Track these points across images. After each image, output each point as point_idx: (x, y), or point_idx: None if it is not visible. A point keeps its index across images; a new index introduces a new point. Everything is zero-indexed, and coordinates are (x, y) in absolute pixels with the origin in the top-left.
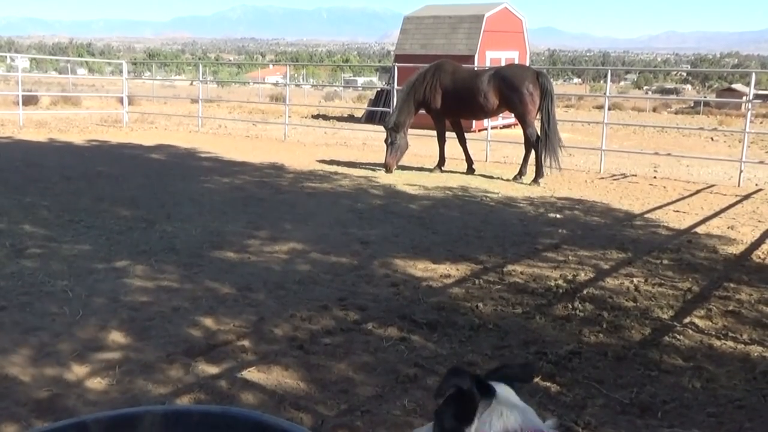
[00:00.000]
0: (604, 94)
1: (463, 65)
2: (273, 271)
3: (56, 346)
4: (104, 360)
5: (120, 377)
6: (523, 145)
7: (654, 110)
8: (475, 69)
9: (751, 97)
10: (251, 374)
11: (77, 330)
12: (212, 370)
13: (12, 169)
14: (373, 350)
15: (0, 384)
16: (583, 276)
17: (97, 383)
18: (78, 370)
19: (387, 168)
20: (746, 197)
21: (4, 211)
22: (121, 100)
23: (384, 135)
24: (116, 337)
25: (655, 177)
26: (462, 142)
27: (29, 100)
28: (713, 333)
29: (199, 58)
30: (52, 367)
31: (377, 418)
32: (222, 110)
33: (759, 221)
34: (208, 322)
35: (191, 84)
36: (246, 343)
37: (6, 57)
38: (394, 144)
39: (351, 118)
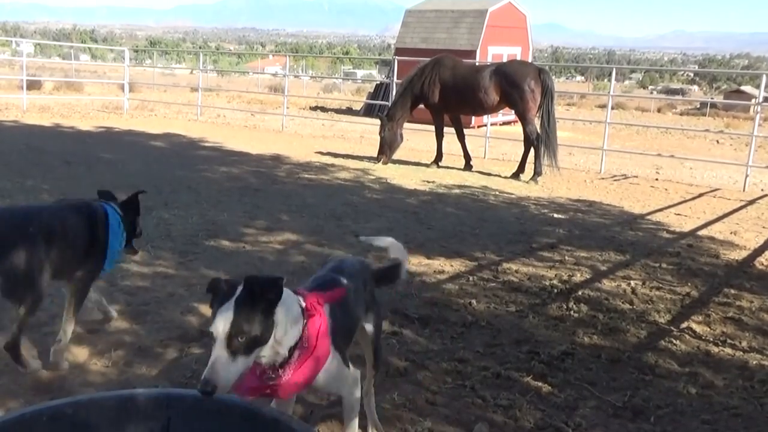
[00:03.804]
0: (608, 93)
1: (464, 60)
2: (267, 261)
3: (54, 326)
4: (101, 342)
5: (116, 360)
6: (522, 143)
7: (659, 111)
8: (476, 64)
9: (760, 100)
10: None
11: None
12: (205, 356)
13: (15, 153)
14: None
15: None
16: (579, 277)
17: (93, 365)
18: (75, 351)
19: (379, 160)
20: (751, 202)
21: (6, 194)
22: (122, 87)
23: (379, 128)
24: (113, 320)
25: (657, 179)
26: (460, 138)
27: (33, 85)
28: (711, 339)
29: (200, 47)
30: (50, 347)
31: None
32: (221, 99)
33: (763, 227)
34: (203, 309)
35: (191, 72)
36: None
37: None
38: (383, 136)
39: (349, 111)
